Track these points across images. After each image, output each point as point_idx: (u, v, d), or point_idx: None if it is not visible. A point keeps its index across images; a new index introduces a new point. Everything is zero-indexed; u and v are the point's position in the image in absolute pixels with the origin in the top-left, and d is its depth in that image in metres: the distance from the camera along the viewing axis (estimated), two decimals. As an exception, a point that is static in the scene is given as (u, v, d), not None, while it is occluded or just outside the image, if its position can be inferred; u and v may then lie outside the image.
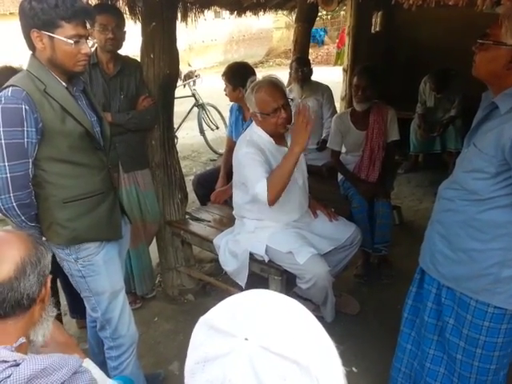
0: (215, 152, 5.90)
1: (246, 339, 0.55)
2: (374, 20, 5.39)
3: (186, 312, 2.73)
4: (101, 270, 1.70)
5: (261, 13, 4.35)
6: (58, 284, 2.42)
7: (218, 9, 4.01)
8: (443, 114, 4.46)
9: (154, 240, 2.86)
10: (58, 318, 2.34)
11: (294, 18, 5.10)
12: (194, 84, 6.28)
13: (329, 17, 15.85)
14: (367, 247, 2.85)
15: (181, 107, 5.30)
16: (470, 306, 1.45)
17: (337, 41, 13.59)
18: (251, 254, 2.26)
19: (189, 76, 6.35)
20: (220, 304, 0.63)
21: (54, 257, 1.63)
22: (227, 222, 2.67)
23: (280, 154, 2.16)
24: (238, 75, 2.75)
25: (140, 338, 1.97)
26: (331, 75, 8.21)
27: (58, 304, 2.34)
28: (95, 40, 2.25)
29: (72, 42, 1.44)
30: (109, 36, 2.23)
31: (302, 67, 3.69)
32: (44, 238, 1.64)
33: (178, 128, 5.46)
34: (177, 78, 2.66)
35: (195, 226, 2.74)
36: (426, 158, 4.89)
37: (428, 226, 1.62)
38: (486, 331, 1.43)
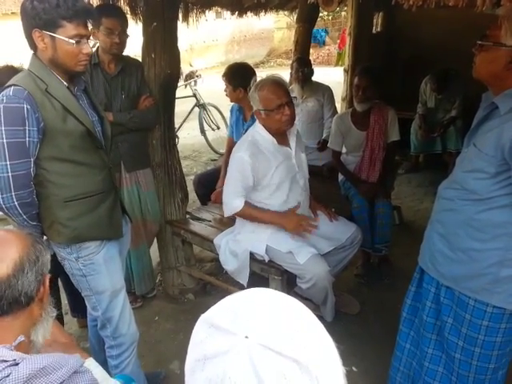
0: (216, 152, 5.91)
1: (247, 337, 0.55)
2: (374, 20, 5.39)
3: (187, 311, 2.74)
4: (101, 269, 1.71)
5: (262, 13, 4.36)
6: (59, 283, 2.43)
7: (219, 9, 4.01)
8: (444, 114, 4.47)
9: (155, 239, 2.86)
10: (59, 317, 2.35)
11: (295, 18, 5.10)
12: (195, 84, 6.28)
13: (330, 17, 15.84)
14: (367, 247, 2.86)
15: (182, 107, 5.31)
16: (468, 305, 1.45)
17: (338, 41, 13.59)
18: (251, 254, 2.27)
19: (190, 76, 6.36)
20: (220, 302, 0.63)
21: (54, 256, 1.65)
22: (228, 221, 2.68)
23: (281, 153, 2.16)
24: (239, 76, 2.75)
25: (140, 337, 1.97)
26: (332, 75, 8.22)
27: (58, 303, 2.35)
28: (96, 40, 2.25)
29: (73, 41, 1.44)
30: (115, 40, 2.24)
31: (302, 68, 3.70)
32: (45, 237, 1.65)
33: (178, 128, 5.47)
34: (178, 77, 2.67)
35: (196, 226, 2.75)
36: (426, 158, 4.89)
37: (428, 226, 1.63)
38: (484, 330, 1.43)
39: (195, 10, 3.16)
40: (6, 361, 0.82)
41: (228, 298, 0.64)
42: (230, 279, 2.56)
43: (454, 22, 4.29)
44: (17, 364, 0.81)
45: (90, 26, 1.57)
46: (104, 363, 1.94)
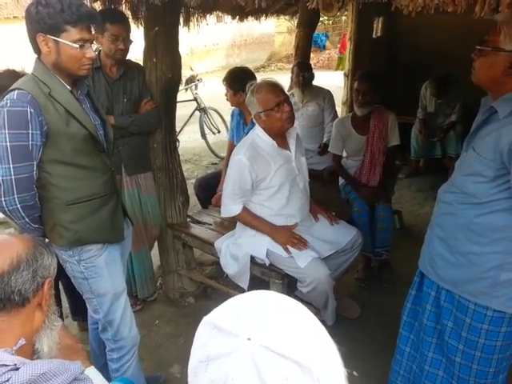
0: (217, 156, 5.92)
1: (249, 339, 0.56)
2: (375, 25, 5.41)
3: (187, 315, 2.74)
4: (103, 272, 1.71)
5: (263, 18, 4.37)
6: (60, 286, 2.43)
7: (220, 13, 4.03)
8: (444, 119, 4.48)
9: (156, 243, 2.87)
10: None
11: (295, 23, 5.12)
12: (195, 88, 6.30)
13: (330, 22, 15.89)
14: (368, 251, 2.86)
15: (183, 111, 5.32)
16: (468, 308, 1.46)
17: (338, 46, 13.63)
18: (252, 258, 2.28)
19: (191, 80, 6.38)
20: (223, 304, 0.64)
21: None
22: (228, 225, 2.68)
23: (281, 156, 2.18)
24: (239, 80, 2.77)
25: (141, 340, 1.97)
26: (333, 80, 8.24)
27: (59, 306, 2.35)
28: (99, 45, 2.26)
29: (77, 46, 1.46)
30: (120, 47, 2.25)
31: (303, 72, 3.71)
32: (47, 240, 1.65)
33: (179, 131, 5.49)
34: (179, 81, 2.68)
35: (196, 229, 2.75)
36: (426, 162, 4.89)
37: (427, 230, 1.63)
38: (485, 334, 1.44)
39: (196, 15, 3.18)
40: (6, 365, 0.82)
41: (230, 300, 0.64)
42: (231, 283, 2.56)
43: (453, 27, 4.31)
44: (17, 369, 0.81)
45: (93, 31, 1.58)
46: (104, 367, 1.95)
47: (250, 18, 4.23)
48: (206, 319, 0.62)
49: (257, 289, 0.70)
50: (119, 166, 2.40)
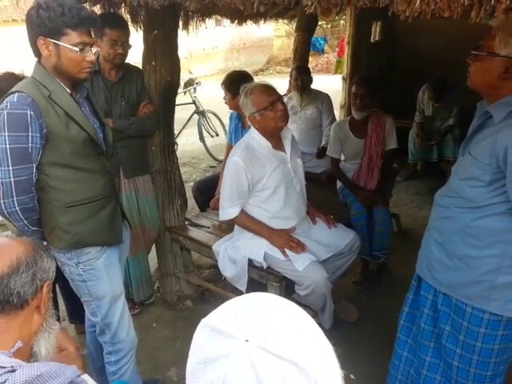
0: (215, 159, 5.93)
1: (247, 340, 0.57)
2: (373, 29, 5.44)
3: (185, 318, 2.73)
4: (101, 275, 1.71)
5: (261, 21, 4.39)
6: (57, 289, 2.43)
7: (219, 17, 4.05)
8: (441, 122, 4.50)
9: (153, 246, 2.87)
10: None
11: (294, 26, 5.14)
12: (194, 91, 6.32)
13: (329, 26, 15.95)
14: (365, 254, 2.86)
15: (181, 114, 5.34)
16: (466, 312, 1.46)
17: (337, 49, 13.68)
18: (250, 261, 2.28)
19: (189, 83, 6.39)
20: (221, 306, 0.64)
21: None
22: (226, 228, 2.69)
23: (276, 158, 2.19)
24: (237, 83, 2.77)
25: (138, 343, 1.97)
26: (331, 83, 8.27)
27: (56, 309, 2.35)
28: (99, 48, 2.27)
29: (77, 49, 1.47)
30: (118, 51, 2.25)
31: (301, 76, 3.73)
32: (45, 243, 1.65)
33: (178, 134, 5.49)
34: (178, 85, 2.69)
35: (194, 232, 2.75)
36: (424, 166, 4.92)
37: (425, 233, 1.64)
38: (482, 338, 1.44)
39: (195, 18, 3.18)
40: (3, 367, 0.82)
41: (228, 302, 0.65)
42: (229, 286, 2.56)
43: (451, 32, 4.33)
44: (14, 371, 0.81)
45: (92, 34, 1.59)
46: (102, 369, 1.94)
47: (249, 22, 4.24)
48: (204, 321, 0.62)
49: (255, 292, 0.70)
50: (117, 168, 2.40)
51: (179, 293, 2.91)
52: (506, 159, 1.25)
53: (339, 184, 3.14)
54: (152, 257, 2.89)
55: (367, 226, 2.82)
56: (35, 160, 1.50)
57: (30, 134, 1.44)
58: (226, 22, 4.24)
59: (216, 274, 3.02)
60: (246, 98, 2.13)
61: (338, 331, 2.45)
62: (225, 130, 5.96)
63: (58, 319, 2.40)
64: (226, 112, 3.72)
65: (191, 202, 3.23)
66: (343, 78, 5.01)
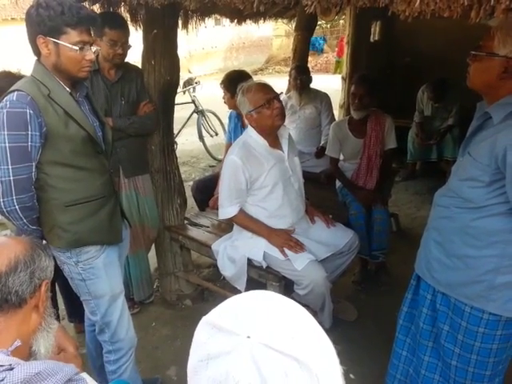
0: (214, 158, 5.93)
1: (249, 337, 0.57)
2: (372, 29, 5.44)
3: (184, 317, 2.74)
4: (101, 274, 1.71)
5: (261, 21, 4.39)
6: (57, 288, 2.43)
7: (218, 16, 4.05)
8: (440, 122, 4.51)
9: (153, 245, 2.87)
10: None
11: (293, 26, 5.14)
12: (193, 90, 6.32)
13: (328, 25, 15.94)
14: (364, 254, 2.87)
15: (181, 113, 5.33)
16: (464, 312, 1.46)
17: (336, 49, 13.68)
18: (249, 260, 2.28)
19: (189, 83, 6.39)
20: (222, 303, 0.65)
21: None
22: (226, 227, 2.69)
23: (273, 156, 2.20)
24: (236, 83, 2.78)
25: (138, 342, 1.97)
26: (330, 83, 8.28)
27: (55, 308, 2.35)
28: (98, 47, 2.27)
29: (77, 48, 1.47)
30: (118, 51, 2.25)
31: (301, 75, 3.73)
32: (44, 242, 1.66)
33: (177, 134, 5.49)
34: (177, 84, 2.69)
35: (194, 232, 2.76)
36: (423, 166, 4.92)
37: (424, 233, 1.64)
38: (480, 337, 1.44)
39: (195, 18, 3.18)
40: (1, 365, 0.82)
41: (229, 299, 0.65)
42: (228, 285, 2.56)
43: (451, 31, 4.33)
44: (12, 369, 0.82)
45: (92, 33, 1.59)
46: (101, 369, 1.95)
47: (249, 21, 4.25)
48: (204, 319, 0.62)
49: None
50: (117, 168, 2.40)
51: (178, 292, 2.91)
52: (506, 160, 1.25)
53: (338, 183, 3.15)
54: (151, 256, 2.89)
55: (366, 226, 2.83)
56: (34, 159, 1.50)
57: (29, 132, 1.44)
58: (226, 21, 4.24)
59: (215, 274, 3.02)
60: (243, 97, 2.14)
61: (338, 330, 2.46)
62: (224, 129, 5.96)
63: (58, 318, 2.40)
64: (225, 111, 3.72)
65: (190, 202, 3.24)
66: (342, 77, 5.01)
